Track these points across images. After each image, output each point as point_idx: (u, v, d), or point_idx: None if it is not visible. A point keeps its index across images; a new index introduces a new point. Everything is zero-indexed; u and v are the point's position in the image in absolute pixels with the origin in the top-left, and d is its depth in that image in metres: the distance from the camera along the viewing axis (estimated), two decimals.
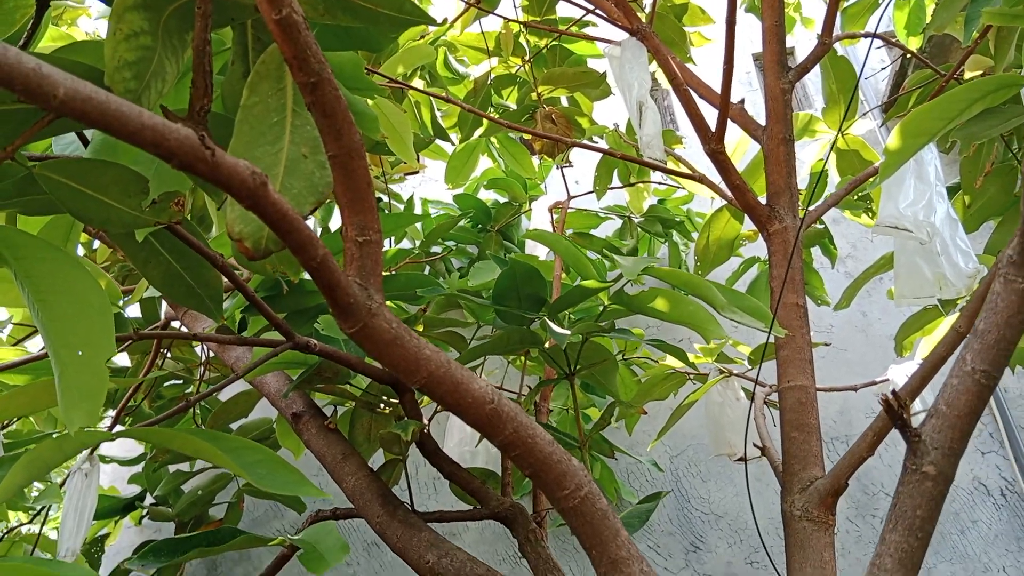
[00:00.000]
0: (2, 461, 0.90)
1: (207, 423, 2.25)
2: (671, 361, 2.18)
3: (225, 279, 1.12)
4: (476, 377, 0.84)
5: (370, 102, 2.20)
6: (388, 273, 1.65)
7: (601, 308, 1.35)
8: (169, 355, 2.51)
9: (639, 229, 3.31)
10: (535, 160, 3.14)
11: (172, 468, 2.47)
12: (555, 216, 2.90)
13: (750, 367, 2.06)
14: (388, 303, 2.20)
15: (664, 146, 2.40)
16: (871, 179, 1.70)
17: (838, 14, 2.50)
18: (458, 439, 1.96)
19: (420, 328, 1.60)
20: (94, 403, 0.74)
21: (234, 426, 2.33)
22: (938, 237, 1.39)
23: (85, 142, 0.95)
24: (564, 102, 2.76)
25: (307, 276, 1.52)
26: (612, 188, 2.76)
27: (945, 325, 2.09)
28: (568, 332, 1.15)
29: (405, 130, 2.22)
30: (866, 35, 1.77)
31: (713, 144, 1.51)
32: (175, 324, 2.11)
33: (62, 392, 0.73)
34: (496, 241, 3.35)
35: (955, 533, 2.68)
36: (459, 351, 1.58)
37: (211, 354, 2.34)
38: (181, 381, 2.63)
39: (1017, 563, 2.63)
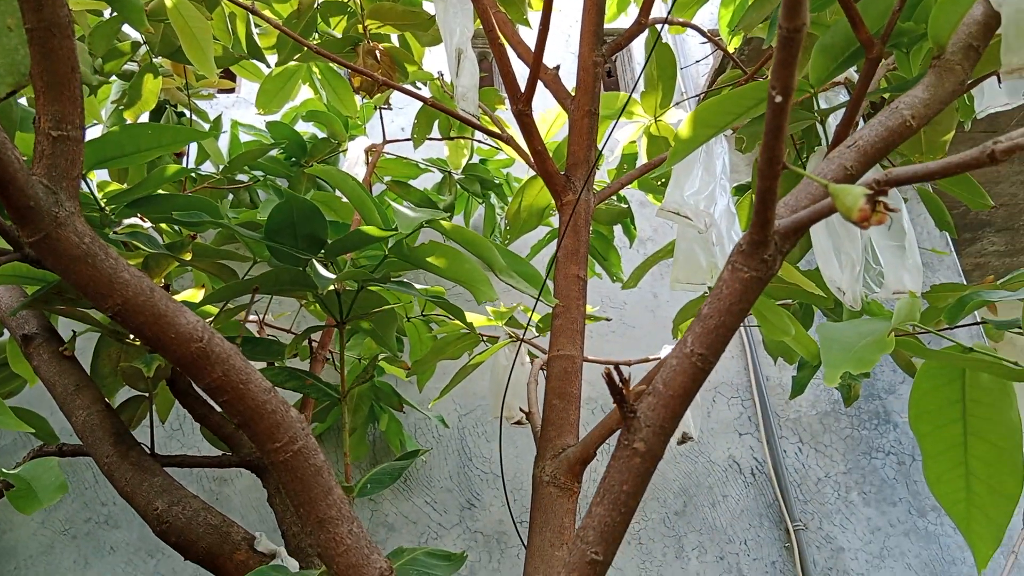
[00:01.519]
0: None
1: None
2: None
3: None
4: (185, 311, 0.75)
5: (168, 3, 1.97)
6: (164, 193, 1.48)
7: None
8: None
9: (458, 186, 3.28)
10: (359, 99, 3.00)
11: None
12: (370, 159, 2.79)
13: (538, 334, 2.09)
14: (162, 226, 2.00)
15: (480, 102, 2.36)
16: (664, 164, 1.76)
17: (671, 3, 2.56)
18: None
19: (187, 256, 1.46)
20: None
21: None
22: (715, 228, 1.46)
23: None
24: (396, 41, 2.64)
25: None
26: (431, 139, 2.69)
27: None
28: (332, 276, 1.08)
29: (205, 38, 2.02)
30: (682, 24, 1.81)
31: (520, 105, 1.49)
32: None
33: None
34: (308, 177, 3.18)
35: (707, 506, 2.92)
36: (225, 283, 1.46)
37: None
38: None
39: (757, 537, 2.91)
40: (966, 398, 0.94)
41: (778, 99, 0.53)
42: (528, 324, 1.50)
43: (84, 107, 0.64)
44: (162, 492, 1.14)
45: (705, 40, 2.31)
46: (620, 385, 0.70)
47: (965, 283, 3.71)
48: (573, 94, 1.60)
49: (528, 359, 2.07)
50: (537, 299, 1.13)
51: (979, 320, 2.31)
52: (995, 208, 4.49)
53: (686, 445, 2.73)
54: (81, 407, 1.24)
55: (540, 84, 1.72)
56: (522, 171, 3.15)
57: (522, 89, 1.51)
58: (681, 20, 1.87)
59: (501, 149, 2.91)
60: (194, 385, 1.36)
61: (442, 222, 1.23)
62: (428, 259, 1.19)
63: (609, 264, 2.74)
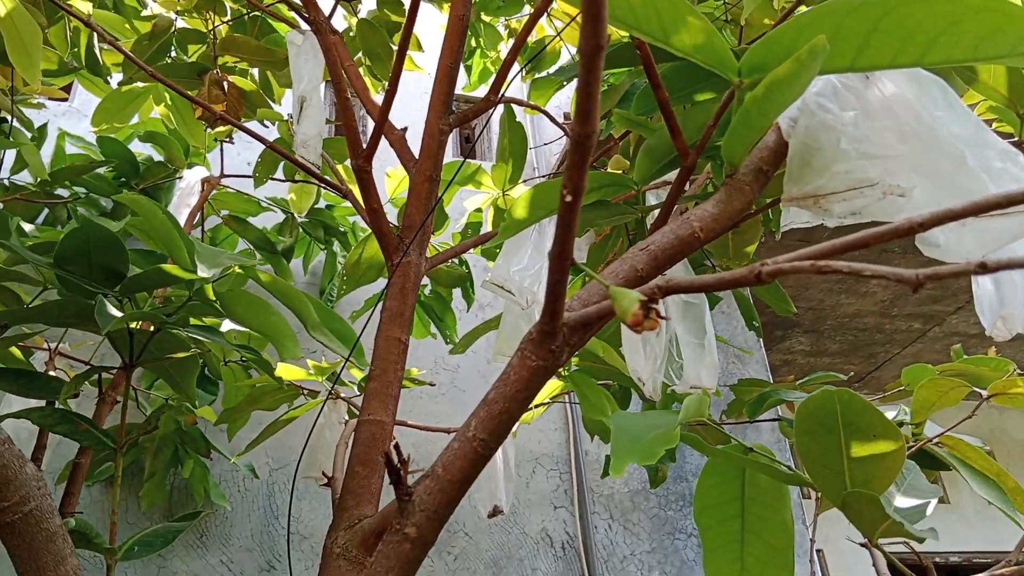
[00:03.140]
0: None
1: None
2: (283, 372, 2.07)
3: None
4: None
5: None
6: None
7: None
8: None
9: (301, 229, 3.19)
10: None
11: None
12: (205, 189, 2.66)
13: (359, 392, 2.03)
14: None
15: (325, 151, 2.33)
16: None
17: (528, 84, 2.66)
18: None
19: None
20: None
21: None
22: (539, 306, 1.48)
23: None
24: (256, 76, 2.56)
25: None
26: (275, 180, 2.60)
27: (547, 386, 2.27)
28: (118, 315, 1.00)
29: (34, 44, 1.87)
30: (532, 106, 1.87)
31: (360, 161, 1.47)
32: None
33: None
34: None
35: None
36: (8, 308, 1.31)
37: None
38: None
39: None
40: (745, 496, 0.97)
41: (568, 198, 0.54)
42: (335, 380, 1.45)
43: None
44: None
45: (564, 123, 2.41)
46: (398, 465, 0.67)
47: (771, 378, 4.01)
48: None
49: (347, 418, 2.00)
50: (346, 360, 1.09)
51: (778, 416, 2.47)
52: (803, 311, 4.92)
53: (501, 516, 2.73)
54: None
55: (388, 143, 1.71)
56: None
57: (364, 145, 1.49)
58: (531, 103, 1.94)
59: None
60: None
61: (257, 271, 1.17)
62: (233, 307, 1.12)
63: (444, 326, 2.73)
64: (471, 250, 1.95)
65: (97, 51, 2.42)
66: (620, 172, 2.11)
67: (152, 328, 1.18)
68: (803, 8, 1.27)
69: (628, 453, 0.84)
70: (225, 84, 2.23)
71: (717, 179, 1.31)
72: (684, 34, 0.75)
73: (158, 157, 3.05)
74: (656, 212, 1.48)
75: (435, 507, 0.68)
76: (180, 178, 2.91)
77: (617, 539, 3.10)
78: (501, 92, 1.75)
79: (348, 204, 3.16)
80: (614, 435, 0.86)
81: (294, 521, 2.75)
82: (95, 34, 2.31)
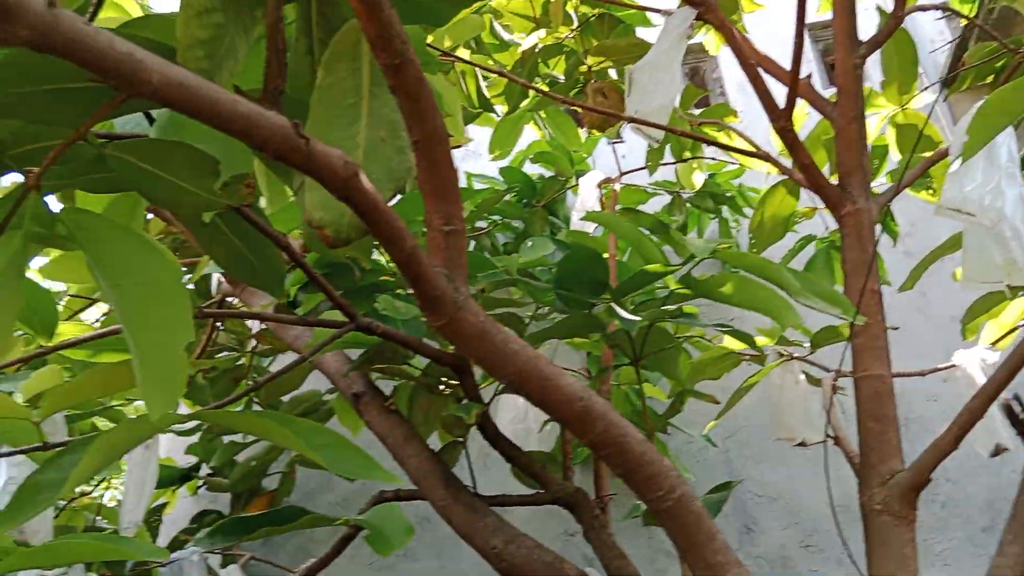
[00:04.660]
0: (74, 446, 0.89)
1: (262, 397, 2.24)
2: (727, 342, 2.12)
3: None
4: (564, 373, 0.81)
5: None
6: None
7: (665, 292, 1.31)
8: (222, 327, 2.51)
9: (688, 204, 3.25)
10: (581, 132, 3.10)
11: (226, 438, 2.49)
12: (603, 192, 2.85)
13: (810, 350, 2.00)
14: None
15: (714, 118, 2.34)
16: (944, 159, 1.63)
17: None
18: (510, 417, 1.93)
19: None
20: (174, 389, 0.71)
21: (285, 398, 2.33)
22: (1007, 222, 1.31)
23: (150, 120, 0.92)
24: (612, 73, 2.69)
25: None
26: (664, 164, 2.69)
27: (1013, 308, 2.00)
28: (637, 318, 1.12)
29: (454, 105, 2.19)
30: (934, 7, 1.68)
31: (782, 122, 1.45)
32: (231, 300, 2.12)
33: (142, 378, 0.70)
34: (542, 217, 3.30)
35: None
36: (518, 333, 1.56)
37: (262, 326, 2.32)
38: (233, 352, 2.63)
39: None
40: None
41: None
42: (821, 343, 1.45)
43: (462, 203, 0.73)
44: (495, 531, 1.24)
45: (942, 16, 2.12)
46: (1021, 415, 0.66)
47: None
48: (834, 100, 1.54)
49: (802, 377, 1.99)
50: (853, 320, 1.08)
51: None
52: None
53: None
54: (412, 455, 1.38)
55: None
56: (755, 179, 3.06)
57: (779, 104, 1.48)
58: (931, 5, 1.74)
59: (735, 160, 2.84)
60: (499, 428, 1.46)
61: (727, 250, 1.23)
62: (720, 289, 1.19)
63: None
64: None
65: (485, 91, 2.75)
66: None
67: (645, 325, 1.31)
68: None
69: None
70: (605, 91, 2.39)
71: None
72: None
73: (547, 173, 3.36)
74: None
75: None
76: (573, 188, 3.16)
77: None
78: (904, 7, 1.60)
79: (729, 168, 3.14)
80: None
81: (758, 484, 2.80)
82: (479, 77, 2.63)
